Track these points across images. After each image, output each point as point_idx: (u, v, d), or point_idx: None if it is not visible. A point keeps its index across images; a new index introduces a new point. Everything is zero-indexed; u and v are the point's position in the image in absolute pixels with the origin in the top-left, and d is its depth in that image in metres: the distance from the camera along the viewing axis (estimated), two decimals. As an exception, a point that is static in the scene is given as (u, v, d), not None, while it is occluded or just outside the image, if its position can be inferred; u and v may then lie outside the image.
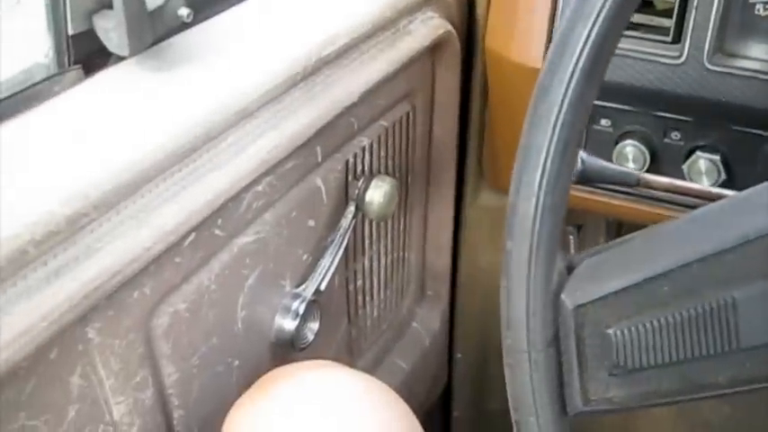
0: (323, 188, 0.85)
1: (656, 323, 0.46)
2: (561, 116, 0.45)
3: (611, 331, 0.47)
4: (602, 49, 0.45)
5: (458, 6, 1.00)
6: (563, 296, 0.48)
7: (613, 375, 0.48)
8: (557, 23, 0.93)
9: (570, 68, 0.45)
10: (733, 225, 0.46)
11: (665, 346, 0.47)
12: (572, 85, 0.45)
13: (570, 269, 0.49)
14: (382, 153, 0.94)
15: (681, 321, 0.46)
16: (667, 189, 0.65)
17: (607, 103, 0.98)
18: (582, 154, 0.62)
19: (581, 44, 0.45)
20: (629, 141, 0.97)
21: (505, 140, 1.06)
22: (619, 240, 0.51)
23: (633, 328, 0.47)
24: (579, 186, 0.98)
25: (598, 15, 0.45)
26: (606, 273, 0.48)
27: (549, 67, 0.45)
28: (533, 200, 0.46)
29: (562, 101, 0.45)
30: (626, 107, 0.98)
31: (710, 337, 0.46)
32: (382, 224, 1.00)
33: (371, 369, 1.08)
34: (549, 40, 0.94)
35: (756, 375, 0.47)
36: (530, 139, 0.46)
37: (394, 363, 1.14)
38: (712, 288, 0.45)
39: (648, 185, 0.63)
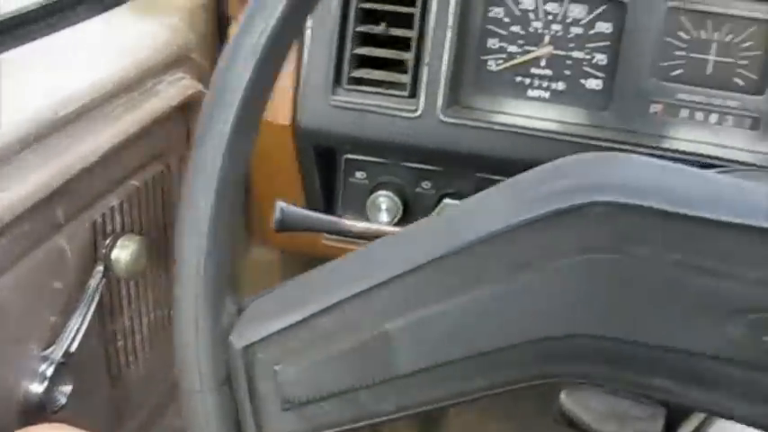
0: (68, 249, 0.84)
1: (321, 357, 0.49)
2: (219, 165, 0.47)
3: (278, 368, 0.50)
4: (252, 107, 0.47)
5: (210, 67, 1.02)
6: (231, 338, 0.50)
7: (286, 410, 0.50)
8: (302, 83, 0.97)
9: (222, 121, 0.47)
10: (384, 261, 0.49)
11: (332, 378, 0.49)
12: (226, 136, 0.47)
13: (241, 311, 0.52)
14: (134, 212, 0.94)
15: (344, 354, 0.49)
16: (361, 233, 0.69)
17: (360, 156, 1.03)
18: (281, 204, 0.65)
19: (238, 95, 0.47)
20: (381, 192, 1.02)
21: (267, 197, 1.08)
22: (284, 283, 0.53)
23: (301, 364, 0.50)
24: (330, 236, 1.02)
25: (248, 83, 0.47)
26: (271, 312, 0.50)
27: (203, 119, 0.48)
28: (194, 246, 0.48)
29: (216, 152, 0.47)
30: (377, 159, 1.03)
31: (371, 366, 0.49)
32: (140, 283, 1.00)
33: (143, 430, 1.07)
34: (295, 99, 0.97)
35: (421, 399, 0.50)
36: (191, 186, 0.48)
37: (171, 424, 1.13)
38: (367, 321, 0.48)
39: (348, 230, 0.67)
